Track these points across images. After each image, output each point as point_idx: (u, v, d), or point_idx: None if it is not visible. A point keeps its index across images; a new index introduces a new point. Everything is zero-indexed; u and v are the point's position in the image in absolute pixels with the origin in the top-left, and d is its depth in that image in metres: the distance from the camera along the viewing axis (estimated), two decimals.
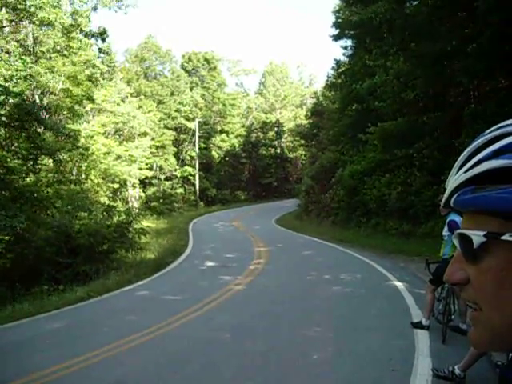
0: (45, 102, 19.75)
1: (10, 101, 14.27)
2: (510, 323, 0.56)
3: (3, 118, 14.52)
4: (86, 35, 19.60)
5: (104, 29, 19.64)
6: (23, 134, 15.78)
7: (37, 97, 19.31)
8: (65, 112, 21.33)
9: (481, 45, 12.66)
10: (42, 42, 19.09)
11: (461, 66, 13.77)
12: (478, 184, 0.58)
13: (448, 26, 14.60)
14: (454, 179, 0.62)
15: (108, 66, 28.69)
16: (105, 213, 18.20)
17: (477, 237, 0.57)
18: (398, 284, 9.47)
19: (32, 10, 15.87)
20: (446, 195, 0.63)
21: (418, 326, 6.02)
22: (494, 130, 0.61)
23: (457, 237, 0.61)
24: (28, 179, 16.51)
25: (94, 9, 20.92)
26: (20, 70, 15.07)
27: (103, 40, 20.24)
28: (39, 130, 16.10)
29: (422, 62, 15.02)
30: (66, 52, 20.00)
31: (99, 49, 21.82)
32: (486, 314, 0.59)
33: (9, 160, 15.56)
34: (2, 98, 13.62)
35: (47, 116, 17.91)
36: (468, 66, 13.36)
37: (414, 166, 17.29)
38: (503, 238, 0.55)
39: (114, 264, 14.64)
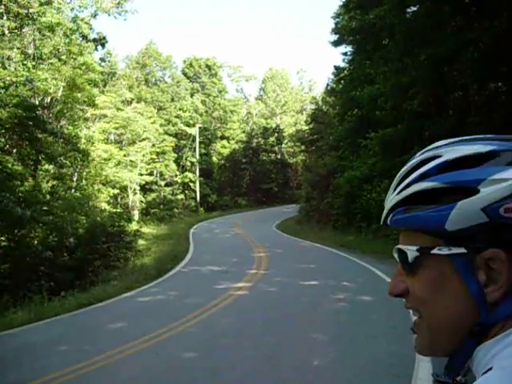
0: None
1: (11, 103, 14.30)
2: (444, 326, 0.62)
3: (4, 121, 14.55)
4: (87, 40, 19.68)
5: (103, 35, 19.82)
6: (26, 141, 15.80)
7: (37, 102, 19.29)
8: (66, 115, 21.28)
9: (480, 49, 12.70)
10: (41, 45, 19.04)
11: (460, 70, 13.80)
12: (410, 205, 0.65)
13: (448, 30, 14.63)
14: (390, 200, 0.68)
15: (108, 74, 28.68)
16: (104, 217, 18.22)
17: (410, 251, 0.64)
18: None
19: (35, 16, 15.96)
20: (384, 214, 0.69)
21: None
22: (421, 154, 0.67)
23: (395, 251, 0.68)
24: (26, 184, 16.49)
25: (94, 15, 21.04)
26: (21, 76, 15.09)
27: (103, 45, 20.31)
28: (39, 135, 16.12)
29: (423, 66, 15.05)
30: (64, 57, 19.95)
31: (100, 58, 22.01)
32: (424, 319, 0.64)
33: (10, 164, 15.57)
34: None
35: (48, 120, 17.90)
36: (467, 70, 13.39)
37: None
38: (433, 251, 0.62)
39: (115, 270, 14.63)
